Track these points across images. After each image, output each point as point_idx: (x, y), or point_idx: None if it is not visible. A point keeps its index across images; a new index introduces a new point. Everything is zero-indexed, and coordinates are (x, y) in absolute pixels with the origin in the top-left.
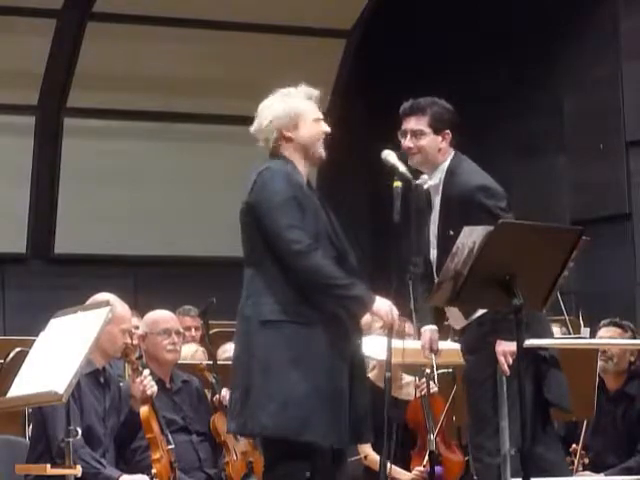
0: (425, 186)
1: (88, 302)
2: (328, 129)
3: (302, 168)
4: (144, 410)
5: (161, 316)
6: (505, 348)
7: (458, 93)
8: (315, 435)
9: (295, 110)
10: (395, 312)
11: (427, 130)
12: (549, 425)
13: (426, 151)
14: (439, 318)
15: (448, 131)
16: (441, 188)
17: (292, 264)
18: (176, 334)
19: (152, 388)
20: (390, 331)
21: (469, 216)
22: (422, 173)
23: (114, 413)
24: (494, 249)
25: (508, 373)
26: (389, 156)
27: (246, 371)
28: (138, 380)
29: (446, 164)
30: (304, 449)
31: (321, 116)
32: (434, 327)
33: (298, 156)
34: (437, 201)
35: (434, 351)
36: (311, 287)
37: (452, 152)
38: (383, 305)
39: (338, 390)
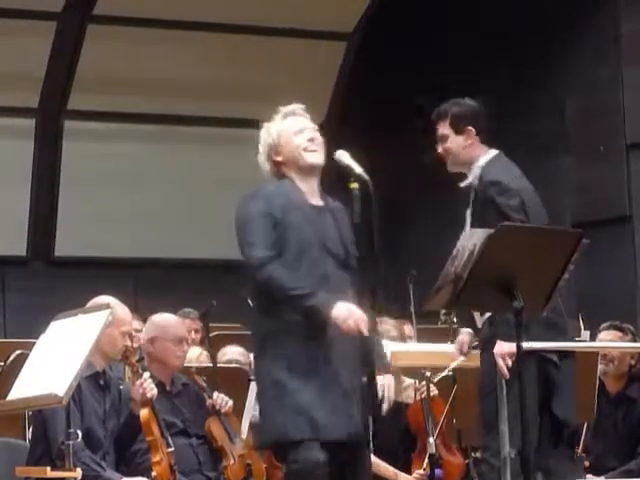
0: (462, 185)
1: (88, 305)
2: (310, 135)
3: (301, 183)
4: (144, 413)
5: (173, 322)
6: (503, 349)
7: (458, 93)
8: (325, 434)
9: (273, 135)
10: (357, 317)
11: (449, 132)
12: (561, 443)
13: (453, 152)
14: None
15: (470, 127)
16: (475, 186)
17: (253, 280)
18: (185, 341)
19: (152, 391)
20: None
21: (485, 213)
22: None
23: (114, 416)
24: (494, 252)
25: (507, 376)
26: (342, 156)
27: (259, 388)
28: (138, 383)
29: (482, 162)
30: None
31: (302, 127)
32: (469, 330)
33: (294, 173)
34: (471, 199)
35: (463, 354)
36: (273, 299)
37: (492, 151)
38: (341, 312)
39: (342, 390)
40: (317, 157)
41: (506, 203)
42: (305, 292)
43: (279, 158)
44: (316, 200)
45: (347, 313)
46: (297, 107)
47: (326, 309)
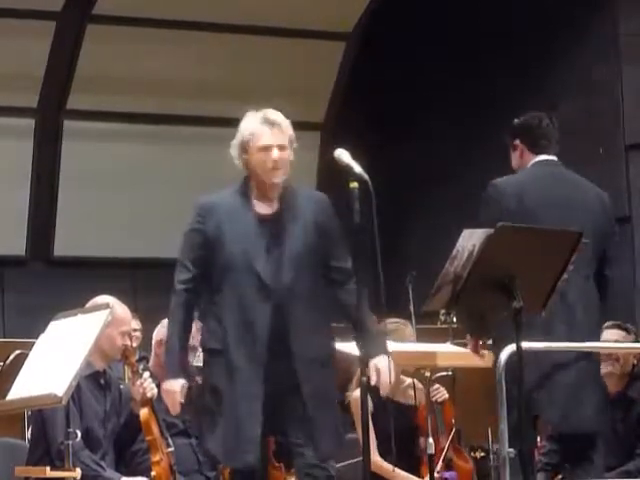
0: None
1: (88, 304)
2: (275, 157)
3: (257, 191)
4: (144, 412)
5: None
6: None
7: (458, 94)
8: (224, 461)
9: (244, 135)
10: (170, 402)
11: (511, 150)
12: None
13: (514, 167)
14: None
15: (516, 141)
16: None
17: None
18: (193, 350)
19: (152, 390)
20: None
21: None
22: None
23: (114, 416)
24: (494, 252)
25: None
26: (342, 155)
27: None
28: (138, 382)
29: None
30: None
31: (270, 144)
32: None
33: (253, 181)
34: None
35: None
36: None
37: (537, 158)
38: (164, 389)
39: (238, 419)
40: (277, 177)
41: (484, 197)
42: (168, 346)
43: (245, 157)
44: (269, 207)
45: (165, 394)
46: (275, 116)
47: (166, 376)
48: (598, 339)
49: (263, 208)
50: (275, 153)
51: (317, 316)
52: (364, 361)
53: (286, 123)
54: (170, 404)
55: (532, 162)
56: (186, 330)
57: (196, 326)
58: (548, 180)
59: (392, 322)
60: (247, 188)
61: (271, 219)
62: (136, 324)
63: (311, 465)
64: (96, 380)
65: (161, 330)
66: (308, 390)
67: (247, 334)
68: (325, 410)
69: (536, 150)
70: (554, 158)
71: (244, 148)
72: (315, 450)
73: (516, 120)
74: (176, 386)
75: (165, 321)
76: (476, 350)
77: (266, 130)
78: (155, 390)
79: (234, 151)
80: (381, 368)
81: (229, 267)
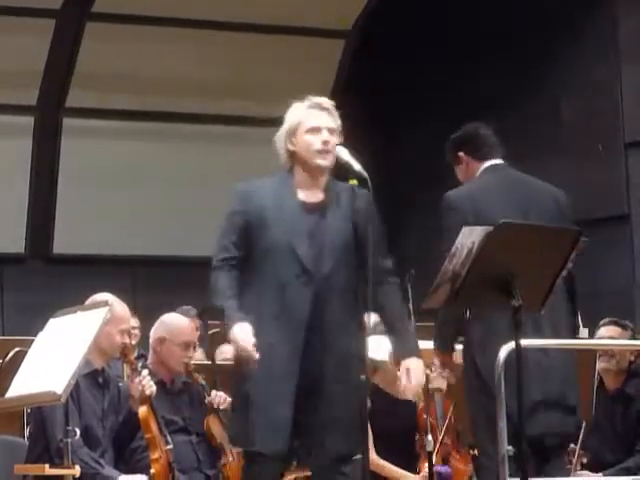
0: None
1: (87, 302)
2: (325, 138)
3: (303, 177)
4: (143, 410)
5: (184, 327)
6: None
7: (458, 94)
8: (250, 443)
9: (291, 122)
10: (241, 345)
11: (454, 167)
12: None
13: (462, 181)
14: None
15: (460, 153)
16: None
17: None
18: (192, 346)
19: (151, 388)
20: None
21: None
22: None
23: (113, 413)
24: (493, 250)
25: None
26: (341, 152)
27: None
28: (137, 380)
29: None
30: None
31: (319, 125)
32: None
33: (299, 168)
34: None
35: None
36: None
37: (486, 164)
38: (233, 335)
39: (270, 397)
40: (326, 160)
41: (443, 205)
42: (221, 303)
43: (292, 147)
44: (313, 196)
45: (235, 338)
46: (325, 101)
47: (228, 325)
48: (564, 337)
49: (307, 197)
50: (325, 134)
51: (350, 312)
52: (375, 361)
53: (335, 110)
54: (242, 340)
55: (481, 169)
56: (234, 292)
57: (195, 324)
58: (499, 184)
59: None
60: (292, 177)
61: (315, 208)
62: (135, 322)
63: (324, 468)
64: (94, 378)
65: (159, 327)
66: (332, 387)
67: (285, 315)
68: (346, 409)
69: (481, 157)
70: (501, 161)
71: (292, 134)
72: (328, 451)
73: (453, 135)
74: (244, 327)
75: (163, 318)
76: (448, 366)
77: (315, 112)
78: (154, 388)
79: (279, 141)
80: (412, 370)
81: (270, 250)
